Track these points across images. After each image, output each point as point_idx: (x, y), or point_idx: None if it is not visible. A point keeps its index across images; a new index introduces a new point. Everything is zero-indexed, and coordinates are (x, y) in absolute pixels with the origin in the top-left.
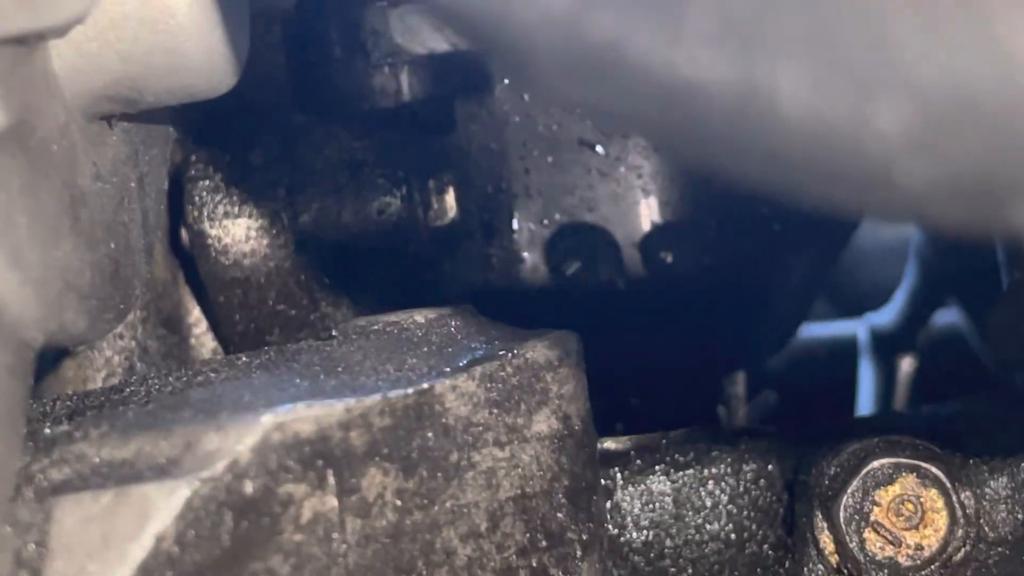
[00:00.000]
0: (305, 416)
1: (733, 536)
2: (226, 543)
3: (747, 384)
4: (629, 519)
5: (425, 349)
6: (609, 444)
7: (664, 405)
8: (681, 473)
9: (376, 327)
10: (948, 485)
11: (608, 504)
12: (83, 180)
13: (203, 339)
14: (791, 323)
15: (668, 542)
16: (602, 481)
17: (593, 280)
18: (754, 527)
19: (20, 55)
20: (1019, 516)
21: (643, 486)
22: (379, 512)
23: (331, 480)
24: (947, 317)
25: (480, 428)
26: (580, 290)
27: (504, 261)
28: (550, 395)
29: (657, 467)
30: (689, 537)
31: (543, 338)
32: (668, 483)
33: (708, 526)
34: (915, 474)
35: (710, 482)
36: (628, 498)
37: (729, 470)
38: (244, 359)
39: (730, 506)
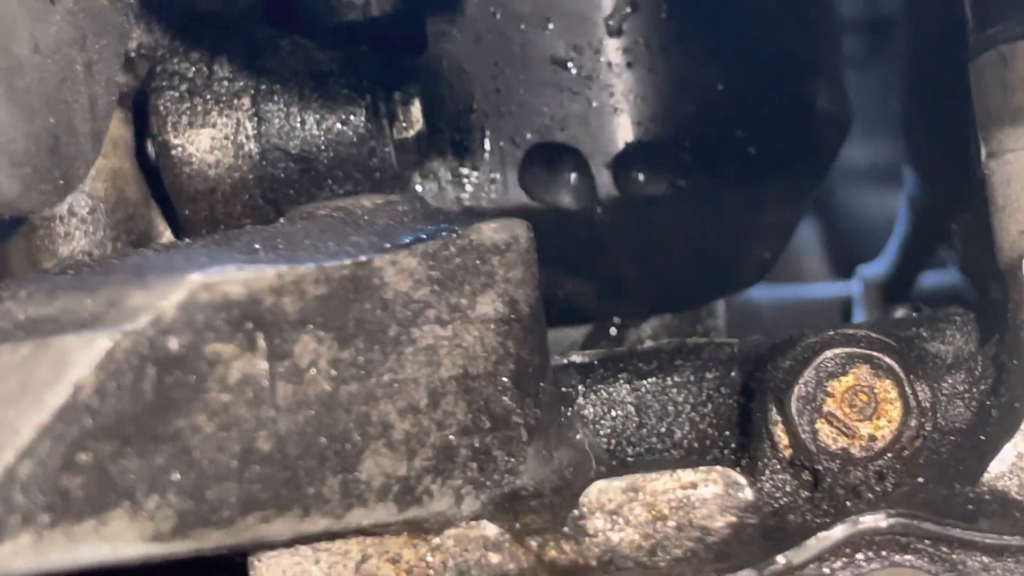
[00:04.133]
0: (234, 278)
1: (696, 444)
2: (149, 397)
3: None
4: (590, 426)
5: (369, 229)
6: (575, 358)
7: (640, 330)
8: (644, 381)
9: (323, 211)
10: (902, 375)
11: (569, 412)
12: (20, 50)
13: None
14: (770, 251)
15: (629, 450)
16: (563, 388)
17: (567, 200)
18: (715, 433)
19: None
20: (973, 409)
21: (605, 393)
22: (312, 379)
23: (261, 343)
24: (942, 272)
25: (421, 305)
26: (553, 210)
27: (476, 181)
28: (496, 278)
29: (620, 375)
30: (651, 444)
31: (490, 222)
32: (630, 390)
33: (670, 433)
34: (868, 364)
35: (672, 390)
36: (590, 405)
37: (692, 377)
38: (188, 241)
39: (692, 413)
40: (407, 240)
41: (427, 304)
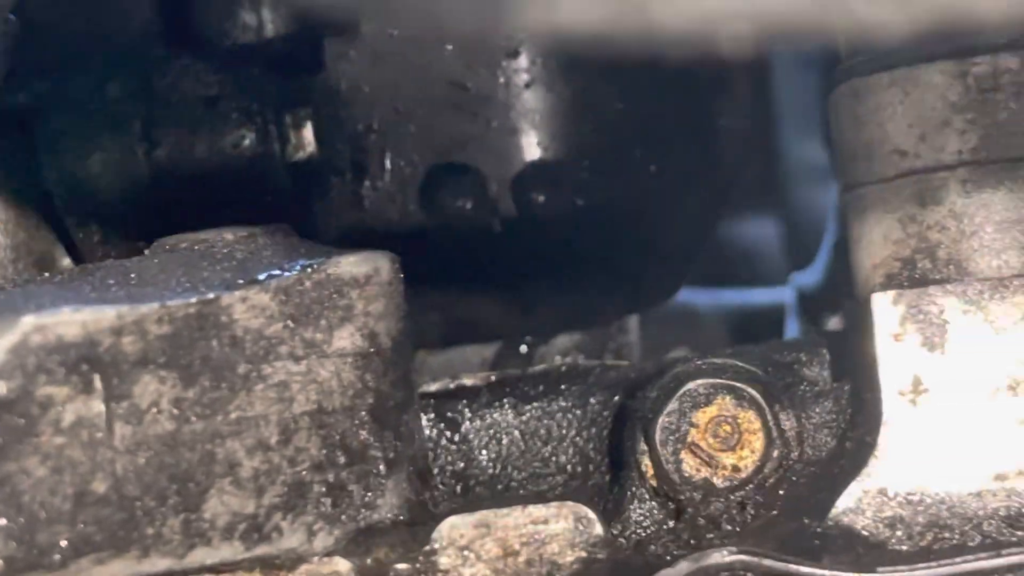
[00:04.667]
0: (70, 320)
1: (579, 468)
2: None
3: (642, 333)
4: (476, 452)
5: (225, 264)
6: (465, 380)
7: (550, 349)
8: (529, 406)
9: (184, 244)
10: (764, 406)
11: (456, 438)
12: None
13: None
14: (679, 269)
15: (515, 474)
16: (449, 414)
17: (468, 220)
18: (599, 458)
19: None
20: (837, 438)
21: (490, 419)
22: (153, 419)
23: (98, 385)
24: None
25: (273, 341)
26: (455, 231)
27: (376, 201)
28: (355, 311)
29: (505, 400)
30: (536, 470)
31: (350, 255)
32: (515, 415)
33: (554, 458)
34: (732, 395)
35: (558, 414)
36: (475, 431)
37: (577, 402)
38: (48, 275)
39: (576, 438)
40: (261, 276)
41: (280, 340)
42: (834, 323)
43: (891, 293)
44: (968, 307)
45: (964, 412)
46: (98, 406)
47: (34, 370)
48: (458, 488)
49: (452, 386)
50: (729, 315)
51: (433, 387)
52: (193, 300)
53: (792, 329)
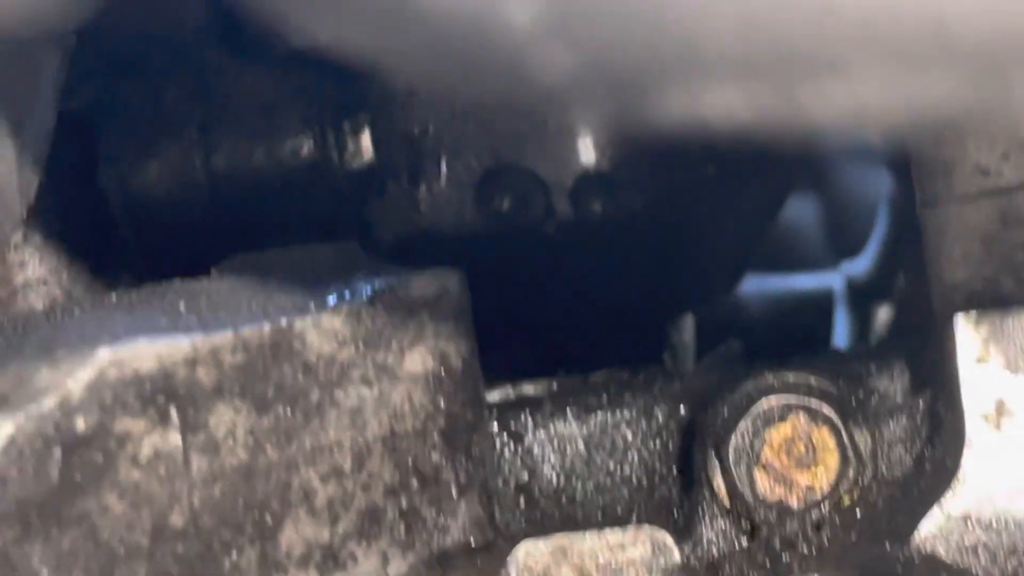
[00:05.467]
0: (146, 353)
1: (644, 480)
2: (54, 480)
3: (698, 331)
4: (539, 464)
5: (296, 286)
6: (527, 388)
7: (606, 353)
8: (593, 416)
9: (251, 263)
10: (839, 425)
11: (519, 449)
12: None
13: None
14: (736, 267)
15: (579, 487)
16: (512, 427)
17: (525, 224)
18: (664, 470)
19: None
20: (914, 456)
21: (554, 430)
22: (229, 450)
23: (174, 417)
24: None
25: (345, 366)
26: (512, 235)
27: (432, 205)
28: (426, 333)
29: (568, 410)
30: (599, 482)
31: (420, 275)
32: (579, 427)
33: (619, 470)
34: (806, 413)
35: (622, 425)
36: (539, 443)
37: (641, 414)
38: (113, 298)
39: (641, 449)
40: (332, 299)
41: (352, 364)
42: (883, 313)
43: (973, 314)
44: None
45: None
46: (175, 439)
47: (111, 404)
48: (522, 501)
49: (513, 395)
50: (774, 302)
51: (495, 395)
52: (266, 328)
53: (840, 319)
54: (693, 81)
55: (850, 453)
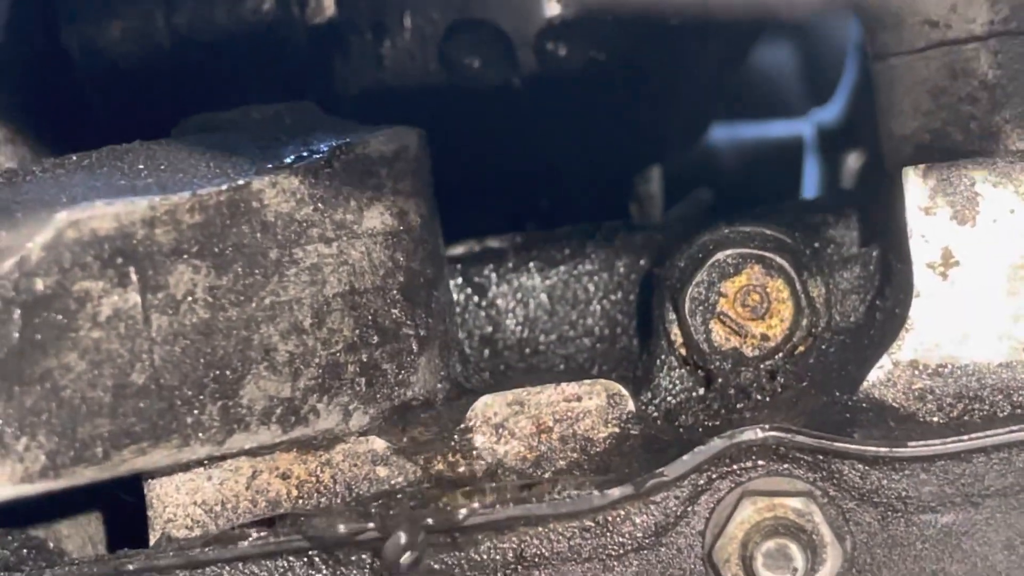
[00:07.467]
0: (103, 213)
1: (606, 331)
2: (14, 340)
3: (669, 181)
4: (503, 316)
5: (254, 146)
6: (492, 242)
7: (573, 208)
8: (555, 268)
9: (210, 124)
10: (794, 275)
11: (483, 302)
12: None
13: None
14: (701, 117)
15: (542, 338)
16: (476, 279)
17: (489, 79)
18: (625, 322)
19: None
20: (866, 305)
21: (517, 283)
22: (188, 309)
23: (133, 277)
24: None
25: (304, 224)
26: (476, 90)
27: (395, 60)
28: (384, 190)
29: (532, 263)
30: (563, 333)
31: (378, 133)
32: (542, 279)
33: (581, 321)
34: (761, 264)
35: (584, 277)
36: (502, 296)
37: (603, 266)
38: (74, 158)
39: (604, 301)
40: (289, 159)
41: (310, 223)
42: (853, 159)
43: (922, 166)
44: (999, 179)
45: (995, 284)
46: (134, 298)
47: (70, 265)
48: (486, 352)
49: (478, 248)
50: (747, 150)
51: (459, 249)
52: (224, 187)
53: (810, 164)
54: None
55: (804, 303)
